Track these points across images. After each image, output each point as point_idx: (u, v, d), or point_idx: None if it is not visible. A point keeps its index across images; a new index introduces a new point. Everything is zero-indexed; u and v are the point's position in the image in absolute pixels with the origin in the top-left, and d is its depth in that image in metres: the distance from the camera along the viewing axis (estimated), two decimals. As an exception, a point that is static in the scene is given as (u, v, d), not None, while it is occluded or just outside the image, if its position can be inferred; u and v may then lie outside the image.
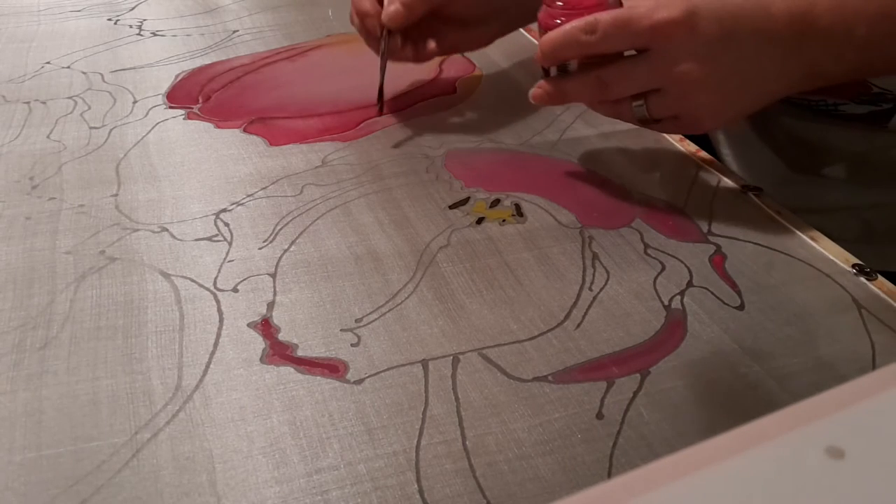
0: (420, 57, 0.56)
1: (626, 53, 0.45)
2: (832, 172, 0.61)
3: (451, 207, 0.47)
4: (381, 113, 0.57)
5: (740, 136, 0.66)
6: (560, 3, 0.46)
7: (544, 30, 0.47)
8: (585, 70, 0.46)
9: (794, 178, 0.63)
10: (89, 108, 0.58)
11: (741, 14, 0.42)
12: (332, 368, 0.35)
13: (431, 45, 0.55)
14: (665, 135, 0.55)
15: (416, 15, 0.52)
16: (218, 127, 0.56)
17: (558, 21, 0.46)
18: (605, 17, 0.43)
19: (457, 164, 0.51)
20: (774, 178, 0.63)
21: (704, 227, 0.45)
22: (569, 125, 0.57)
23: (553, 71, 0.48)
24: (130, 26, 0.74)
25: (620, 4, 0.46)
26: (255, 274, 0.41)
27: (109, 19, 0.76)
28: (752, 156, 0.65)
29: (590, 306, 0.39)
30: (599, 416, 0.33)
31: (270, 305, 0.39)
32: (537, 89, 0.48)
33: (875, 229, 0.60)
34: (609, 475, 0.31)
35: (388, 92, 0.58)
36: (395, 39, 0.54)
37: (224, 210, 0.46)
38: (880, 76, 0.53)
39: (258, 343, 0.36)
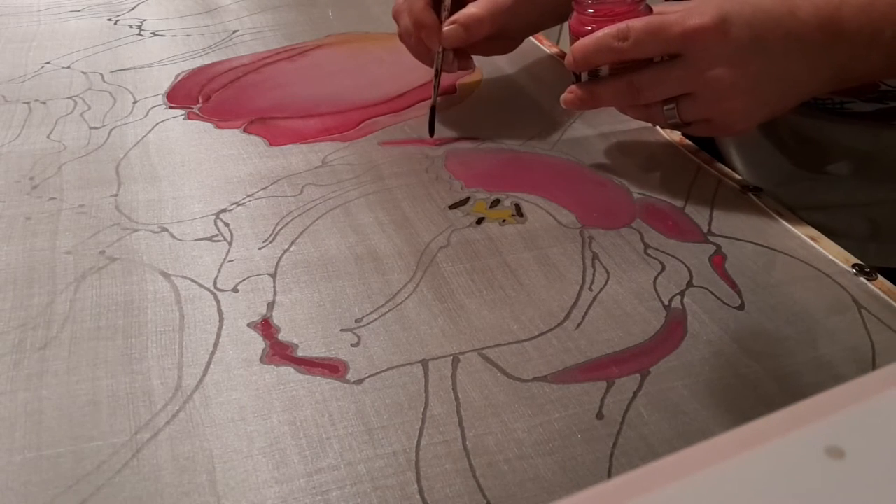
0: (463, 67, 0.56)
1: (655, 58, 0.45)
2: (838, 170, 0.61)
3: (451, 207, 0.47)
4: (432, 135, 0.54)
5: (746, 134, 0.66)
6: (591, 11, 0.46)
7: (576, 36, 0.47)
8: (617, 75, 0.46)
9: (799, 175, 0.63)
10: (89, 108, 0.58)
11: (770, 18, 0.43)
12: (332, 368, 0.35)
13: (471, 56, 0.57)
14: (665, 135, 0.55)
15: (475, 38, 0.53)
16: (218, 127, 0.56)
17: (589, 28, 0.46)
18: (637, 24, 0.43)
19: (457, 164, 0.51)
20: (780, 176, 0.63)
21: (704, 227, 0.45)
22: (569, 125, 0.57)
23: (584, 76, 0.48)
24: (130, 26, 0.74)
25: (650, 11, 0.46)
26: (255, 274, 0.41)
27: (109, 19, 0.76)
28: (757, 153, 0.65)
29: (590, 306, 0.39)
30: (599, 416, 0.33)
31: (270, 305, 0.39)
32: (569, 94, 0.49)
33: (880, 227, 0.60)
34: (609, 475, 0.31)
35: (389, 92, 0.58)
36: (448, 55, 0.54)
37: (224, 210, 0.46)
38: None
39: (258, 343, 0.36)
